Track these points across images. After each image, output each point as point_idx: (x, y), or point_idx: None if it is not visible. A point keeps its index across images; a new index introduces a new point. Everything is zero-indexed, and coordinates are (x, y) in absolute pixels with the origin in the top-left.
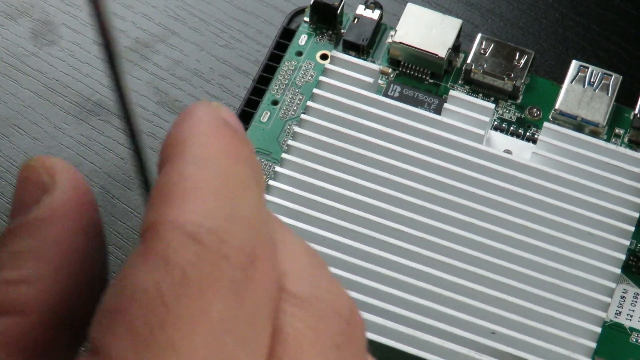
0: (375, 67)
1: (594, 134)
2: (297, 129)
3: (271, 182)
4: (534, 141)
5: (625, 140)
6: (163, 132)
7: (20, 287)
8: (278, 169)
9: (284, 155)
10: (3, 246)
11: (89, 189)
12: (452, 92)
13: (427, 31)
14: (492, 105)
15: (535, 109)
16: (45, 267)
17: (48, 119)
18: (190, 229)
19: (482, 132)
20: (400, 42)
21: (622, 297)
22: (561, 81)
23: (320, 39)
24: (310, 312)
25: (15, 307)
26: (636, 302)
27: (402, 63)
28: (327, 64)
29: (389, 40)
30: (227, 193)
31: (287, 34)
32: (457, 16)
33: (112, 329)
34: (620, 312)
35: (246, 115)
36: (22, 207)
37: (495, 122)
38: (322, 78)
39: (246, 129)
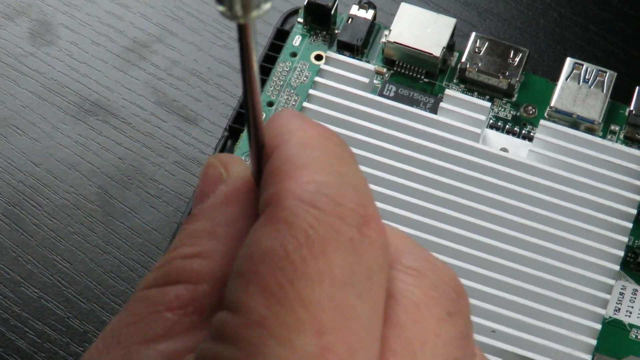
0: (370, 67)
1: (590, 131)
2: None
3: None
4: (530, 139)
5: (621, 136)
6: (161, 132)
7: (194, 260)
8: None
9: None
10: (183, 228)
11: (251, 179)
12: (447, 91)
13: (421, 30)
14: (488, 104)
15: (530, 107)
16: (217, 244)
17: (46, 119)
18: (307, 196)
19: (478, 130)
20: (394, 42)
21: (621, 294)
22: (556, 79)
23: (314, 40)
24: (425, 281)
25: (190, 277)
26: (635, 298)
27: (396, 63)
28: (322, 64)
29: (383, 40)
30: (333, 166)
31: (281, 35)
32: (455, 16)
33: (246, 288)
34: (619, 309)
35: (242, 118)
36: (203, 196)
37: (491, 121)
38: (317, 79)
39: (242, 130)
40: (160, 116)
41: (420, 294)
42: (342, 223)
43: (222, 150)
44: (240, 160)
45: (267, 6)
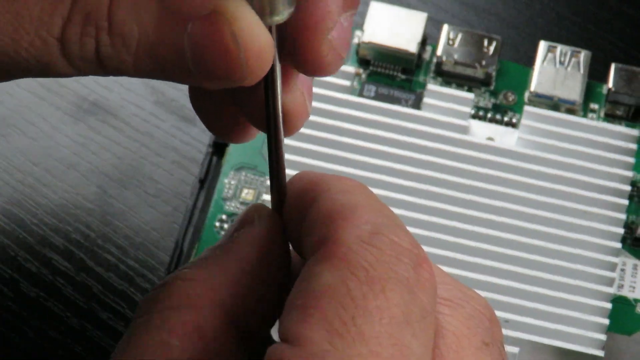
0: (350, 69)
1: (571, 112)
2: (287, 141)
3: (265, 197)
4: (513, 125)
5: (602, 115)
6: (160, 132)
7: (198, 284)
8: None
9: None
10: (200, 255)
11: (279, 237)
12: (429, 86)
13: (394, 28)
14: (471, 95)
15: (509, 94)
16: (224, 274)
17: (45, 119)
18: (366, 235)
19: (465, 122)
20: (369, 42)
21: (622, 270)
22: (531, 64)
23: None
24: (461, 312)
25: (191, 301)
26: (636, 273)
27: (372, 62)
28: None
29: (356, 41)
30: (382, 209)
31: None
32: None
33: (307, 322)
34: (622, 285)
35: None
36: (230, 231)
37: (472, 111)
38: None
39: (227, 145)
40: (159, 116)
41: (459, 325)
42: (399, 263)
43: (208, 167)
44: (272, 211)
45: (291, 10)
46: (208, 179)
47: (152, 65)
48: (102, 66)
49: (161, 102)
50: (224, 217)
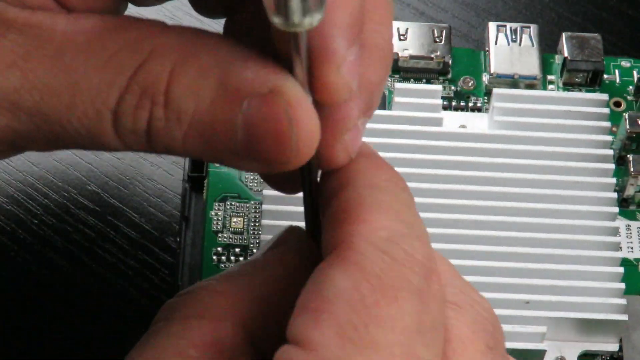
0: None
1: (531, 87)
2: None
3: (264, 222)
4: (479, 110)
5: (560, 84)
6: None
7: (221, 296)
8: (265, 207)
9: (265, 192)
10: (229, 269)
11: (310, 261)
12: (397, 85)
13: None
14: (440, 87)
15: (468, 79)
16: (247, 290)
17: None
18: (381, 243)
19: (438, 115)
20: None
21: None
22: (482, 47)
23: None
24: (466, 316)
25: (213, 313)
26: (630, 233)
27: None
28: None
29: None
30: (403, 214)
31: None
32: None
33: (318, 326)
34: (620, 247)
35: (199, 164)
36: (262, 251)
37: (443, 103)
38: None
39: (204, 177)
40: None
41: (464, 329)
42: (412, 273)
43: (189, 202)
44: (302, 233)
45: (320, 16)
46: (191, 215)
47: (202, 144)
48: (151, 141)
49: None
50: (219, 249)
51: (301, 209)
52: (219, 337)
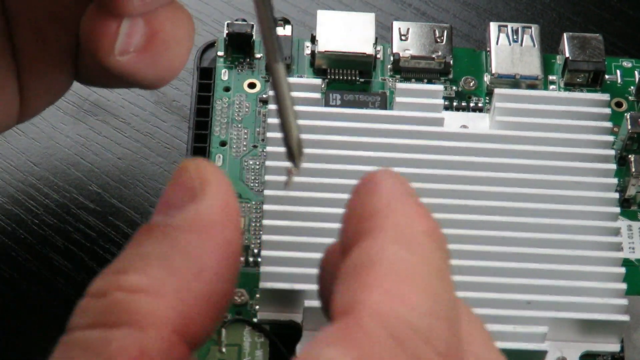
0: (317, 81)
1: (532, 87)
2: (269, 162)
3: (265, 222)
4: (480, 110)
5: (562, 85)
6: (160, 132)
7: (141, 298)
8: (266, 207)
9: (266, 192)
10: (135, 245)
11: (236, 210)
12: (398, 85)
13: (346, 33)
14: (441, 87)
15: (469, 79)
16: (170, 279)
17: (45, 119)
18: (392, 323)
19: (439, 115)
20: (324, 51)
21: None
22: (483, 47)
23: (240, 70)
24: None
25: (136, 319)
26: (632, 234)
27: (329, 71)
28: (271, 91)
29: (308, 52)
30: (431, 284)
31: (204, 73)
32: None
33: None
34: (621, 248)
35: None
36: (168, 207)
37: (444, 103)
38: (271, 106)
39: None
40: (160, 116)
41: None
42: None
43: None
44: (223, 178)
45: None
46: None
47: None
48: None
49: (161, 102)
50: None
51: (302, 209)
52: (144, 347)
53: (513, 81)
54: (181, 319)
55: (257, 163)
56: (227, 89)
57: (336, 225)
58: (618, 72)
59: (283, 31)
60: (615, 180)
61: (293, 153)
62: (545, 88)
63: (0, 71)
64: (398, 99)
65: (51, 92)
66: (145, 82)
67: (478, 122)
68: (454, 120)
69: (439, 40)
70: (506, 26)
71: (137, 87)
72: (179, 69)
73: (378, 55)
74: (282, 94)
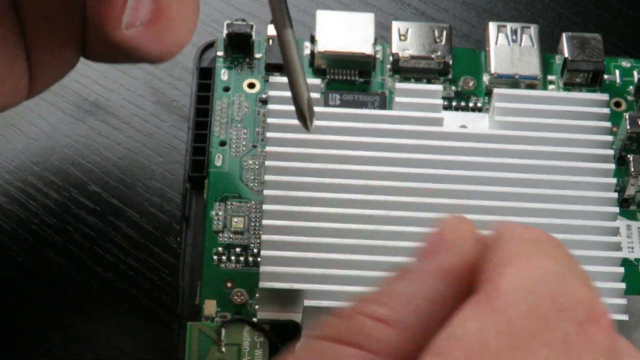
0: (316, 81)
1: (531, 87)
2: (268, 162)
3: (265, 222)
4: (480, 110)
5: (561, 84)
6: (160, 132)
7: (381, 326)
8: (265, 207)
9: (266, 192)
10: (389, 284)
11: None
12: (397, 85)
13: (346, 33)
14: (440, 87)
15: (468, 79)
16: (410, 316)
17: (45, 119)
18: (528, 282)
19: (439, 115)
20: (324, 51)
21: None
22: (482, 47)
23: (240, 70)
24: None
25: (371, 344)
26: (631, 233)
27: (328, 71)
28: (270, 91)
29: (307, 52)
30: (562, 257)
31: (204, 73)
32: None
33: None
34: (620, 247)
35: (199, 164)
36: (425, 255)
37: (444, 103)
38: (270, 106)
39: (205, 177)
40: (160, 116)
41: None
42: (558, 316)
43: (190, 203)
44: (474, 234)
45: None
46: (192, 215)
47: None
48: None
49: (161, 102)
50: (220, 249)
51: (302, 209)
52: None
53: (512, 81)
54: (407, 355)
55: (257, 163)
56: (226, 89)
57: (336, 225)
58: (617, 72)
59: None
60: (614, 180)
61: (304, 113)
62: (545, 88)
63: (10, 47)
64: (397, 99)
65: (59, 68)
66: (149, 56)
67: (477, 122)
68: (453, 120)
69: (438, 40)
70: (505, 26)
71: (142, 62)
72: (183, 45)
73: (377, 55)
74: (291, 57)
